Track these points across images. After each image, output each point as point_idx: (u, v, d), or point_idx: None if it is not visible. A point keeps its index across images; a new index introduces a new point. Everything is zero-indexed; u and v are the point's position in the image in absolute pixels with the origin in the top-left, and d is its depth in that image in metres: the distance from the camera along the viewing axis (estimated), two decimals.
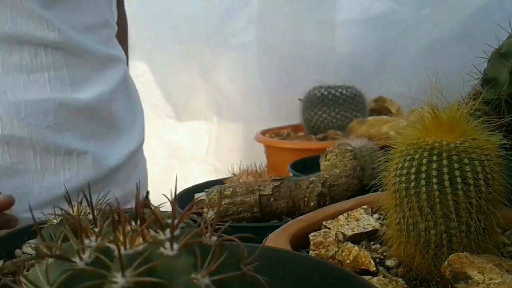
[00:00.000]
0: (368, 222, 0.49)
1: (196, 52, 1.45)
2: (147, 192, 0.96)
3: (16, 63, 0.68)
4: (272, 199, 0.62)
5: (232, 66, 1.49)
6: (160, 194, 0.29)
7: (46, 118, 0.70)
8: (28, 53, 0.68)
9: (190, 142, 1.57)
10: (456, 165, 0.39)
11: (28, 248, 0.47)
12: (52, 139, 0.71)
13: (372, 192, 0.50)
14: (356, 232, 0.48)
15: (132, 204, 0.23)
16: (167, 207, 0.26)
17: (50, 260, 0.20)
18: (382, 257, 0.45)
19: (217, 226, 0.23)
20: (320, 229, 0.49)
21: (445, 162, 0.39)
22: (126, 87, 0.85)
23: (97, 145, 0.76)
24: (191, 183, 0.77)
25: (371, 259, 0.41)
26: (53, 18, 0.68)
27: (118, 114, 0.80)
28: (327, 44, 1.39)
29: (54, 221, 0.41)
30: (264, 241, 0.44)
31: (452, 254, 0.38)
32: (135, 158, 0.86)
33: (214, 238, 0.22)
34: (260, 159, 0.88)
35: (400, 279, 0.40)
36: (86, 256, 0.20)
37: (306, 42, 1.42)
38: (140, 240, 0.21)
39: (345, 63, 1.39)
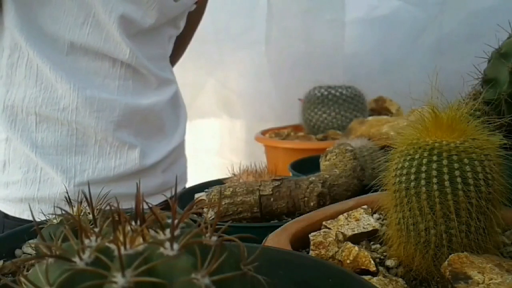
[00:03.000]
0: (368, 222, 0.49)
1: (203, 50, 1.45)
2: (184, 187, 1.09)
3: (97, 68, 0.87)
4: (272, 199, 0.62)
5: (240, 65, 1.49)
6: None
7: (112, 114, 0.87)
8: (107, 63, 0.88)
9: (197, 139, 1.57)
10: (456, 165, 0.38)
11: (28, 248, 0.47)
12: (112, 132, 0.88)
13: (372, 192, 0.50)
14: (356, 232, 0.48)
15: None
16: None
17: (50, 260, 0.20)
18: (382, 257, 0.45)
19: (217, 226, 0.23)
20: (320, 229, 0.49)
21: (445, 162, 0.39)
22: (175, 100, 1.05)
23: (144, 142, 0.94)
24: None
25: (371, 259, 0.41)
26: (131, 45, 0.87)
27: (165, 121, 0.99)
28: (337, 44, 1.40)
29: (54, 221, 0.41)
30: (264, 241, 0.44)
31: (452, 254, 0.38)
32: (174, 155, 1.03)
33: (214, 238, 0.22)
34: (260, 159, 0.89)
35: (400, 279, 0.40)
36: (86, 256, 0.20)
37: (316, 41, 1.42)
38: (140, 240, 0.21)
39: (353, 62, 1.39)
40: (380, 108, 1.22)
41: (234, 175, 0.73)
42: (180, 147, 1.07)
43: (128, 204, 0.24)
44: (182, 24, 1.05)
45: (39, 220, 0.41)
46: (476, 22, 1.24)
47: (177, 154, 1.05)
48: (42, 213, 0.45)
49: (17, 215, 0.86)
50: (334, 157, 0.70)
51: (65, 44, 0.84)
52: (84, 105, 0.84)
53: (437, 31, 1.30)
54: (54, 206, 0.40)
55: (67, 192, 0.43)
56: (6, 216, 0.87)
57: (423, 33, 1.32)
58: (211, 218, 0.59)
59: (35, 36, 0.82)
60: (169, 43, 1.03)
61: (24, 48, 0.82)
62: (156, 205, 0.23)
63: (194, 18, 1.18)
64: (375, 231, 0.49)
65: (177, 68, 1.16)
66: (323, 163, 0.72)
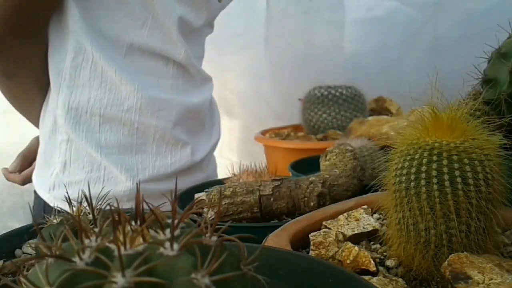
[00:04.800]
0: (368, 222, 0.49)
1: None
2: None
3: (152, 68, 0.90)
4: (272, 199, 0.62)
5: (240, 66, 1.49)
6: None
7: (170, 113, 0.91)
8: (161, 63, 0.90)
9: None
10: (456, 165, 0.38)
11: (28, 248, 0.47)
12: (169, 130, 0.91)
13: (372, 192, 0.50)
14: (356, 232, 0.48)
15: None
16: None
17: (50, 260, 0.20)
18: (382, 257, 0.45)
19: (217, 226, 0.23)
20: (320, 229, 0.49)
21: (445, 162, 0.39)
22: (212, 98, 1.10)
23: (194, 140, 0.98)
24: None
25: (371, 259, 0.41)
26: (185, 45, 0.91)
27: (206, 117, 1.04)
28: (336, 44, 1.40)
29: (54, 221, 0.41)
30: (264, 241, 0.44)
31: (452, 254, 0.38)
32: (213, 151, 1.10)
33: (214, 238, 0.22)
34: (260, 159, 0.89)
35: (400, 279, 0.40)
36: (86, 256, 0.20)
37: (316, 41, 1.42)
38: (140, 240, 0.21)
39: (351, 62, 1.39)
40: (380, 108, 1.22)
41: (234, 175, 0.73)
42: (217, 144, 1.12)
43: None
44: (214, 23, 1.09)
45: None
46: (472, 22, 1.24)
47: (213, 151, 1.11)
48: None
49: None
50: (334, 157, 0.70)
51: (124, 45, 0.86)
52: (147, 105, 0.87)
53: (432, 31, 1.31)
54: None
55: (67, 192, 0.43)
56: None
57: (419, 34, 1.32)
58: (211, 218, 0.59)
59: (98, 39, 0.85)
60: (204, 42, 1.09)
61: (89, 51, 0.84)
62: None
63: None
64: (375, 231, 0.49)
65: None
66: (323, 163, 0.72)
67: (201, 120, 1.02)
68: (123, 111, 0.87)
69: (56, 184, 0.89)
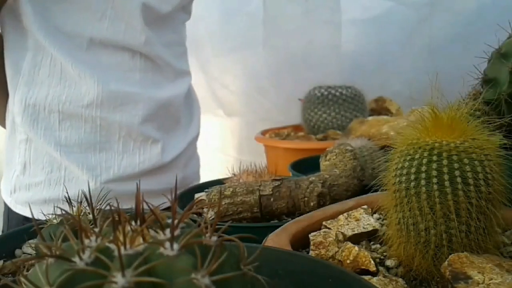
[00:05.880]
0: (368, 222, 0.49)
1: (197, 52, 1.46)
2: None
3: (117, 61, 0.86)
4: (272, 199, 0.62)
5: (238, 66, 1.50)
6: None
7: (135, 108, 0.87)
8: (127, 56, 0.87)
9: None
10: (456, 165, 0.38)
11: (28, 248, 0.47)
12: (137, 126, 0.87)
13: (372, 192, 0.50)
14: (356, 232, 0.48)
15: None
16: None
17: (50, 260, 0.20)
18: (382, 257, 0.45)
19: (217, 226, 0.23)
20: (320, 229, 0.49)
21: (445, 162, 0.39)
22: (189, 93, 1.04)
23: (165, 136, 0.93)
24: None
25: (371, 259, 0.41)
26: (150, 33, 0.87)
27: (181, 113, 0.99)
28: (334, 44, 1.40)
29: (54, 221, 0.41)
30: (264, 241, 0.44)
31: (452, 254, 0.38)
32: (192, 149, 1.04)
33: (214, 238, 0.22)
34: (260, 159, 0.89)
35: (400, 279, 0.40)
36: (86, 256, 0.20)
37: (313, 42, 1.42)
38: (140, 240, 0.21)
39: (348, 63, 1.39)
40: (380, 108, 1.22)
41: (234, 175, 0.73)
42: (195, 142, 1.07)
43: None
44: (191, 9, 1.05)
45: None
46: (469, 22, 1.24)
47: (193, 150, 1.05)
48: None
49: (40, 218, 0.83)
50: (334, 157, 0.70)
51: (84, 40, 0.83)
52: (108, 99, 0.84)
53: (428, 30, 1.31)
54: (54, 207, 0.40)
55: (67, 192, 0.43)
56: (27, 219, 0.85)
57: (415, 34, 1.33)
58: (211, 218, 0.59)
59: (54, 34, 0.82)
60: (182, 29, 1.03)
61: (47, 48, 0.82)
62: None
63: None
64: (375, 231, 0.49)
65: None
66: (323, 163, 0.72)
67: (175, 115, 0.97)
68: (83, 107, 0.83)
69: (17, 187, 0.86)
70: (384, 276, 0.40)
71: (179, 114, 0.98)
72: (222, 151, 1.59)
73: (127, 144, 0.87)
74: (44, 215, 0.42)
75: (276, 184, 0.63)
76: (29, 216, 0.84)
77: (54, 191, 0.84)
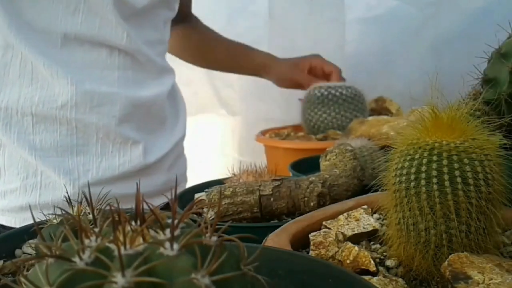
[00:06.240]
0: (368, 222, 0.49)
1: None
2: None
3: (94, 59, 0.82)
4: (272, 199, 0.62)
5: None
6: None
7: (113, 109, 0.83)
8: (105, 53, 0.82)
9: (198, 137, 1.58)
10: (456, 165, 0.38)
11: (28, 248, 0.47)
12: (114, 127, 0.83)
13: (372, 192, 0.50)
14: (356, 232, 0.48)
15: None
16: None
17: (50, 260, 0.20)
18: (382, 257, 0.45)
19: (217, 226, 0.23)
20: (320, 229, 0.49)
21: (445, 162, 0.39)
22: (174, 92, 1.01)
23: (148, 137, 0.90)
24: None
25: (371, 259, 0.41)
26: (128, 29, 0.82)
27: (166, 113, 0.95)
28: (337, 43, 1.40)
29: (54, 221, 0.41)
30: (264, 241, 0.44)
31: (452, 254, 0.38)
32: (177, 150, 1.00)
33: (214, 238, 0.22)
34: (260, 159, 0.89)
35: (400, 279, 0.40)
36: (86, 256, 0.20)
37: (318, 41, 1.42)
38: (140, 240, 0.21)
39: (353, 61, 1.40)
40: (380, 108, 1.22)
41: (234, 175, 0.73)
42: (181, 143, 1.03)
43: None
44: (176, 6, 1.01)
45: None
46: (473, 21, 1.24)
47: (179, 151, 1.02)
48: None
49: (17, 225, 0.80)
50: (334, 157, 0.70)
51: (58, 36, 0.79)
52: (83, 100, 0.80)
53: (433, 29, 1.31)
54: (54, 208, 0.39)
55: (67, 192, 0.43)
56: (3, 227, 0.82)
57: (419, 33, 1.33)
58: (211, 218, 0.59)
59: (25, 31, 0.78)
60: (165, 27, 0.98)
61: (17, 46, 0.78)
62: (160, 205, 0.23)
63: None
64: (375, 231, 0.49)
65: (177, 67, 1.16)
66: (323, 163, 0.72)
67: (159, 115, 0.93)
68: (57, 109, 0.79)
69: None
70: (384, 276, 0.40)
71: (163, 114, 0.95)
72: (222, 151, 1.60)
73: (106, 146, 0.84)
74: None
75: (276, 184, 0.63)
76: (6, 224, 0.82)
77: (31, 197, 0.81)
